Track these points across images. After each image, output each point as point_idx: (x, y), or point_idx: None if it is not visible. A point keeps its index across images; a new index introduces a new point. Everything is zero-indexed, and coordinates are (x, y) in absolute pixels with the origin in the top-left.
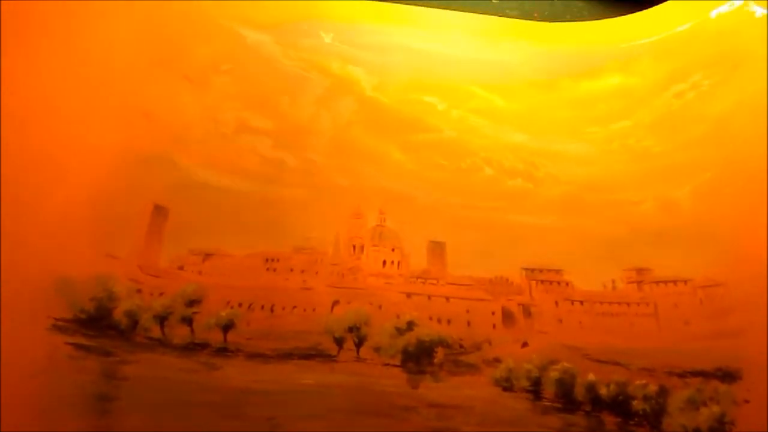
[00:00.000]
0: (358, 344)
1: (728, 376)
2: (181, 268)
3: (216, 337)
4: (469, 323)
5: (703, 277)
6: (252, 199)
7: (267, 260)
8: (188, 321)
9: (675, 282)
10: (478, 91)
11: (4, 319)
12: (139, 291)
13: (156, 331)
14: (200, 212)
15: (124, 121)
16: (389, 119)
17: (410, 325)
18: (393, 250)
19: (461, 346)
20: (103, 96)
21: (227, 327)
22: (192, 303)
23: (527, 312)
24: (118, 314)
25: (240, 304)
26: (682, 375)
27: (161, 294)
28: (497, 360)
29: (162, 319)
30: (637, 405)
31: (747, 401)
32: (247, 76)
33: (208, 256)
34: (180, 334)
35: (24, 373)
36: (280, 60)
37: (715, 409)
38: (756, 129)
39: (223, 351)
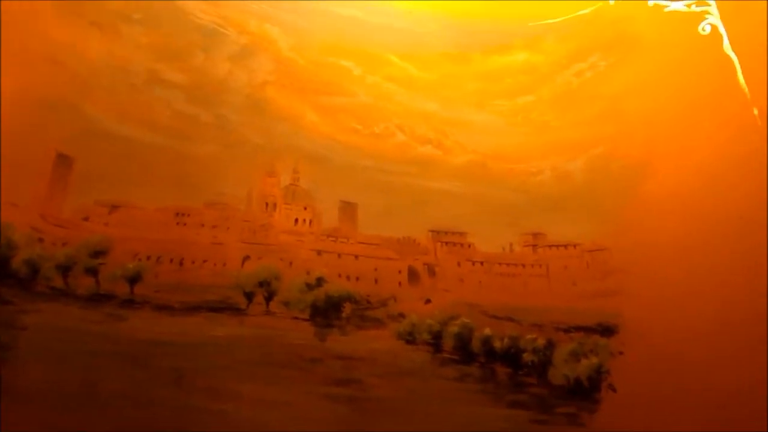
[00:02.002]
0: (268, 298)
1: (607, 330)
2: (86, 218)
3: (122, 289)
4: (376, 280)
5: (590, 242)
6: (163, 152)
7: (177, 214)
8: (93, 272)
9: (566, 246)
10: (393, 59)
11: None
12: (40, 240)
13: (58, 281)
14: (108, 163)
15: (27, 65)
16: (305, 81)
17: (320, 281)
18: (305, 208)
19: (368, 302)
20: (5, 39)
21: (134, 279)
22: (97, 254)
23: (431, 271)
24: (17, 263)
25: (148, 257)
26: (567, 330)
27: (64, 244)
28: (401, 315)
29: (65, 270)
30: (526, 357)
31: (621, 353)
32: (160, 28)
33: (115, 207)
34: (84, 284)
35: None
36: (196, 14)
37: (594, 360)
38: (645, 109)
39: (129, 303)
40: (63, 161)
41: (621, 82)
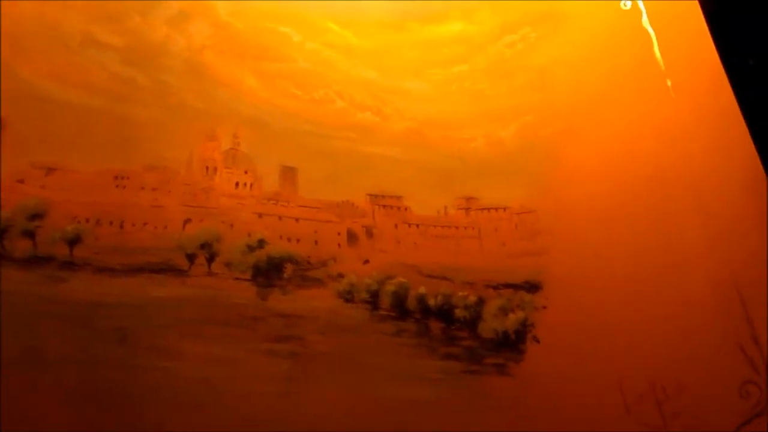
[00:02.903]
0: (210, 260)
1: (532, 287)
2: (21, 181)
3: (61, 251)
4: (316, 242)
5: (519, 205)
6: (100, 115)
7: (116, 177)
8: (30, 235)
9: (497, 209)
10: (332, 26)
11: None
12: None
13: None
14: (43, 126)
15: None
16: (244, 46)
17: (261, 243)
18: (246, 172)
19: (309, 263)
20: None
21: (73, 241)
22: (34, 217)
23: (370, 233)
24: None
25: (87, 220)
26: (496, 287)
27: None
28: (341, 275)
29: (1, 233)
30: (459, 313)
31: (545, 307)
32: None
33: (51, 170)
34: (22, 247)
35: None
36: None
37: (520, 314)
38: (569, 79)
39: (69, 265)
40: None
41: (549, 53)
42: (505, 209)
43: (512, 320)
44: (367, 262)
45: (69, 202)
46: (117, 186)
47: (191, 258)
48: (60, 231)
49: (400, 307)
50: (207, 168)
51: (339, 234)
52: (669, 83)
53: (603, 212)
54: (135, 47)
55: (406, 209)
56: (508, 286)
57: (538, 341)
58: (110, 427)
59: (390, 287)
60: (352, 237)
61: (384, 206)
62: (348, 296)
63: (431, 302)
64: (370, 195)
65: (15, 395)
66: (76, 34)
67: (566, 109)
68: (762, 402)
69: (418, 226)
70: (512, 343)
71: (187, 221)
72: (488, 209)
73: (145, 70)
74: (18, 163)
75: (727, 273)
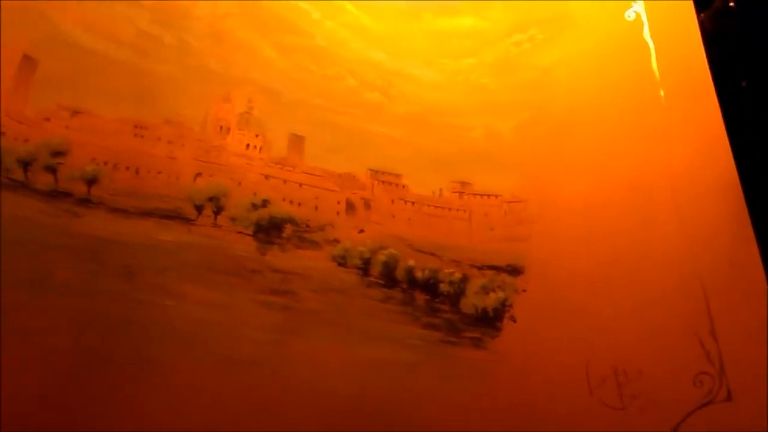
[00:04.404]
0: (216, 213)
1: (514, 270)
2: (47, 119)
3: (80, 189)
4: (316, 208)
5: (510, 194)
6: (125, 67)
7: (136, 126)
8: (52, 170)
9: (489, 196)
10: (349, 7)
11: None
12: (2, 134)
13: (19, 174)
14: (71, 70)
15: None
16: (266, 18)
17: (265, 203)
18: (257, 136)
19: (308, 226)
20: None
21: (91, 181)
22: (57, 154)
23: (367, 205)
24: None
25: (106, 163)
26: (480, 268)
27: (26, 140)
28: (336, 241)
29: (26, 164)
30: (443, 287)
31: (524, 290)
32: None
33: (76, 113)
34: (44, 180)
35: None
36: None
37: (501, 295)
38: (569, 81)
39: (85, 202)
40: (28, 62)
41: (552, 55)
42: (496, 197)
43: (492, 299)
44: (362, 231)
45: (90, 144)
46: (135, 135)
47: (199, 209)
48: (80, 170)
49: (389, 276)
50: (220, 127)
51: (338, 203)
52: (662, 93)
53: (587, 207)
54: (163, 8)
55: (403, 187)
56: (492, 267)
57: (514, 321)
58: (108, 353)
59: (381, 257)
60: (350, 206)
61: (383, 182)
62: (341, 261)
63: (419, 275)
64: (371, 170)
65: (23, 315)
66: None
67: (563, 109)
68: (714, 391)
69: (413, 203)
70: (490, 320)
71: (198, 175)
72: (481, 195)
73: (171, 30)
74: (46, 102)
75: (695, 272)
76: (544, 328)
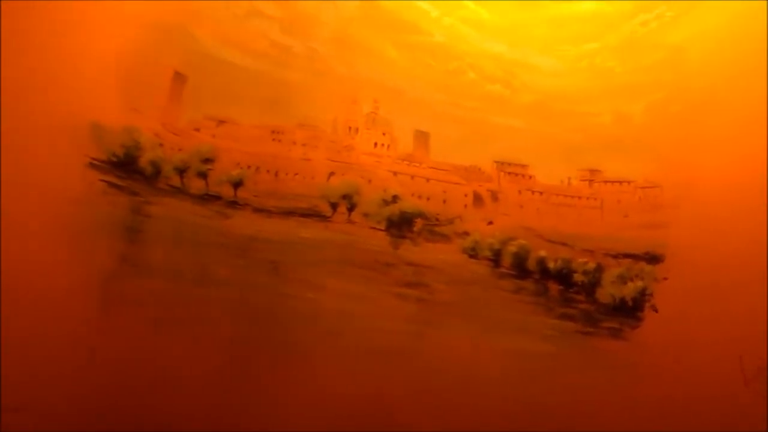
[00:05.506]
0: (350, 209)
1: (653, 258)
2: (197, 129)
3: (227, 192)
4: (444, 201)
5: (643, 180)
6: (260, 77)
7: (273, 132)
8: (203, 175)
9: (620, 182)
10: (467, 3)
11: (48, 152)
12: (161, 145)
13: (176, 181)
14: (215, 83)
15: None
16: (387, 19)
17: (395, 198)
18: (384, 134)
19: (437, 220)
20: None
21: (237, 184)
22: (207, 161)
23: (494, 197)
24: (144, 162)
25: (248, 167)
26: (616, 257)
27: (180, 150)
28: (466, 233)
29: (181, 171)
30: (577, 277)
31: (665, 278)
32: None
33: (221, 122)
34: (196, 185)
35: (63, 200)
36: None
37: (639, 284)
38: (703, 59)
39: (233, 204)
40: (178, 78)
41: (683, 32)
42: (629, 183)
43: (631, 288)
44: (491, 223)
45: (234, 150)
46: (273, 139)
47: (334, 206)
48: (227, 174)
49: (521, 267)
50: (350, 128)
51: (466, 195)
52: None
53: (729, 189)
54: (291, 18)
55: (530, 177)
56: (628, 255)
57: (656, 310)
58: (261, 342)
59: (511, 248)
60: (477, 199)
61: (509, 173)
62: (472, 252)
63: (551, 265)
64: (497, 162)
65: (187, 307)
66: (243, 4)
67: (697, 88)
68: None
69: (541, 193)
70: (629, 309)
71: (332, 174)
72: (612, 182)
73: (299, 38)
74: (195, 115)
75: None
76: (691, 319)
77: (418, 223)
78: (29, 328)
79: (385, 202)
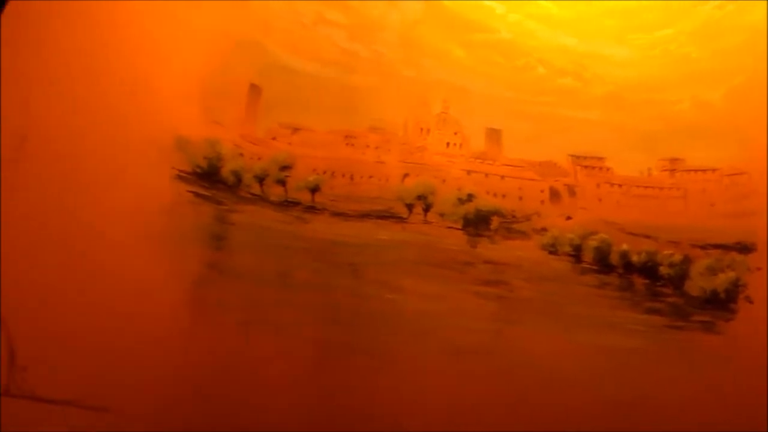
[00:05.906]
0: (426, 210)
1: (745, 248)
2: (274, 138)
3: (305, 197)
4: (520, 198)
5: (729, 167)
6: (331, 83)
7: (346, 137)
8: (282, 182)
9: (704, 171)
10: None
11: (138, 166)
12: (241, 155)
13: (256, 189)
14: (288, 92)
15: (219, 8)
16: (452, 19)
17: (470, 197)
18: (455, 134)
19: (514, 217)
20: None
21: (314, 190)
22: (284, 168)
23: (572, 191)
24: (225, 172)
25: (324, 172)
26: (704, 247)
27: (259, 158)
28: (544, 229)
29: (261, 179)
30: (663, 270)
31: (759, 268)
32: None
33: (296, 130)
34: (276, 192)
35: (154, 210)
36: None
37: (731, 274)
38: None
39: (311, 209)
40: (254, 90)
41: (761, 14)
42: (713, 171)
43: (722, 280)
44: (569, 218)
45: (309, 156)
46: (347, 144)
47: (410, 207)
48: (304, 180)
49: (603, 262)
50: (421, 129)
51: (542, 191)
52: None
53: None
54: (357, 24)
55: (608, 170)
56: (717, 246)
57: (751, 302)
58: (345, 343)
59: (592, 242)
60: (554, 194)
61: (585, 166)
62: (551, 249)
63: (634, 259)
64: (572, 155)
65: (273, 310)
66: (310, 14)
67: None
68: None
69: (620, 185)
70: (722, 302)
71: (406, 176)
72: (695, 170)
73: (366, 43)
74: (271, 124)
75: None
76: None
77: (495, 221)
78: (123, 332)
79: (461, 201)
